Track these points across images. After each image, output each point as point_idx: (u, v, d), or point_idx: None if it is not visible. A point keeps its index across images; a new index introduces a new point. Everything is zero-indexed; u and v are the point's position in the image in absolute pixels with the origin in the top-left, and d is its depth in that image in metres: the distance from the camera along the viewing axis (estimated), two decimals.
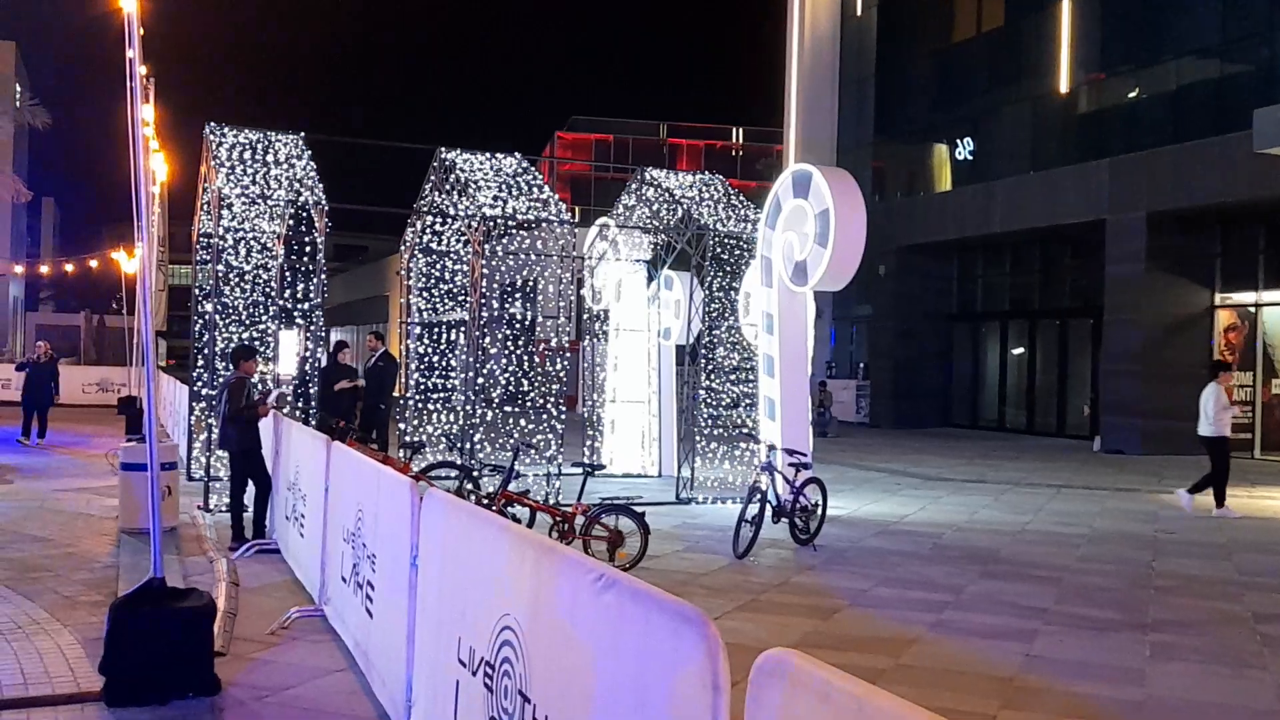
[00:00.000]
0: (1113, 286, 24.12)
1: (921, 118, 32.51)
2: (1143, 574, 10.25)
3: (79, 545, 10.05)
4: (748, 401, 14.59)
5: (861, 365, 34.03)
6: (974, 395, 31.24)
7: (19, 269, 46.59)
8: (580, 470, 10.29)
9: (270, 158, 12.88)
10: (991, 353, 30.89)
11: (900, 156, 33.61)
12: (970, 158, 30.15)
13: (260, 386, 11.68)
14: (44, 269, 44.11)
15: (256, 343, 12.73)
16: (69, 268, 38.34)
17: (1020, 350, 29.89)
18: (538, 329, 14.99)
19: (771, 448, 12.29)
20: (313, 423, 12.09)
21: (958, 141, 30.60)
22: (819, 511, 11.54)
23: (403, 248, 16.11)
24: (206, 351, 12.83)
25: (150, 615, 5.76)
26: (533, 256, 14.05)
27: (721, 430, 14.64)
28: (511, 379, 14.08)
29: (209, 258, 13.29)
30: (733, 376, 14.70)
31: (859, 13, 34.50)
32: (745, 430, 14.40)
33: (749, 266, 14.41)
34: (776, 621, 7.93)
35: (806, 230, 12.60)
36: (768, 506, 10.93)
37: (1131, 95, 25.69)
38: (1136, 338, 23.44)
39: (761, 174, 52.01)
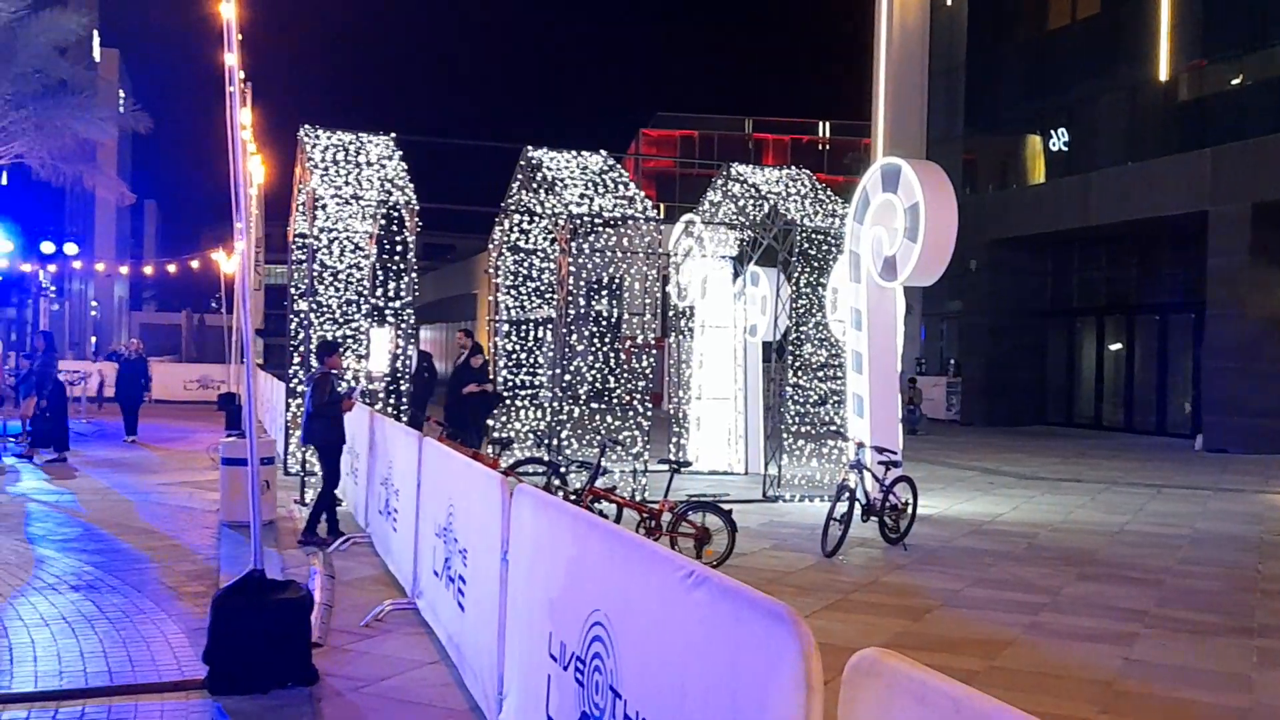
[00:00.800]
0: (1215, 280, 23.35)
1: (1014, 108, 31.83)
2: (1248, 577, 9.91)
3: (182, 537, 10.37)
4: (835, 399, 14.45)
5: (952, 362, 33.48)
6: (1069, 392, 30.51)
7: (124, 269, 48.24)
8: (666, 467, 10.29)
9: (362, 158, 13.13)
10: (1087, 349, 30.14)
11: (992, 148, 32.96)
12: (1065, 149, 29.44)
13: (348, 382, 11.91)
14: (147, 269, 45.60)
15: (350, 340, 13.01)
16: (171, 268, 39.58)
17: (1118, 346, 29.11)
18: (623, 326, 15.03)
19: (860, 445, 12.15)
20: (404, 419, 12.30)
21: (1052, 132, 29.90)
22: (909, 510, 11.37)
23: (491, 246, 16.30)
24: (302, 349, 13.12)
25: (251, 607, 5.91)
26: (618, 254, 14.11)
27: (809, 427, 14.52)
28: (598, 376, 14.14)
29: (304, 257, 13.60)
30: (820, 373, 14.57)
31: (949, 2, 33.93)
32: (833, 428, 14.27)
33: (836, 262, 14.27)
34: (866, 621, 7.84)
35: (896, 225, 12.43)
36: (857, 505, 10.82)
37: (1235, 82, 24.82)
38: (1240, 333, 22.65)
39: (848, 168, 51.44)
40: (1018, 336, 30.35)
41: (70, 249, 34.15)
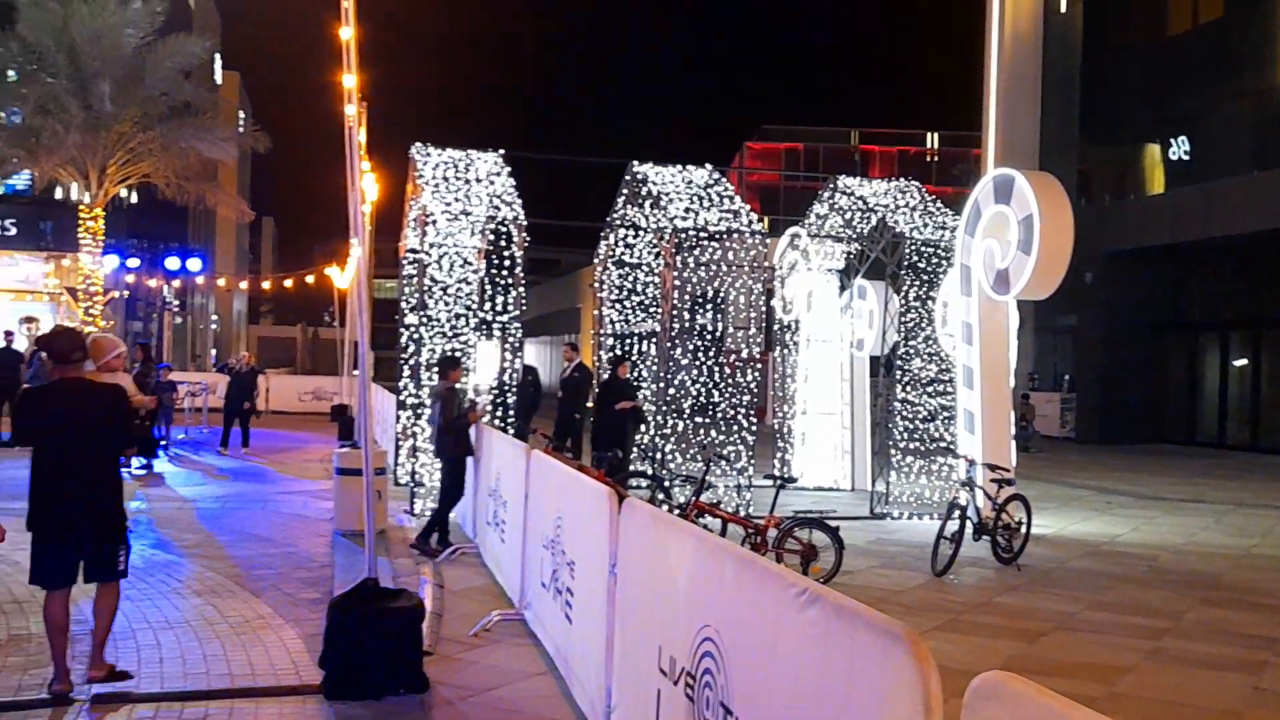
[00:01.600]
0: None
1: (1131, 117, 30.84)
2: None
3: (297, 545, 10.65)
4: (946, 415, 14.17)
5: (1066, 377, 32.56)
6: (1189, 409, 29.37)
7: (243, 284, 49.91)
8: (772, 483, 10.21)
9: (471, 175, 13.36)
10: (1210, 364, 29.00)
11: (1108, 158, 32.00)
12: (1186, 158, 28.42)
13: (471, 396, 12.11)
14: (264, 284, 47.13)
15: (458, 353, 13.22)
16: (286, 283, 40.83)
17: (1243, 361, 27.95)
18: (727, 340, 14.98)
19: (971, 462, 11.89)
20: (510, 432, 12.44)
21: (1171, 141, 28.89)
22: (1023, 530, 11.09)
23: (595, 260, 16.42)
24: (412, 362, 13.38)
25: (365, 614, 6.04)
26: (723, 267, 14.07)
27: (918, 444, 14.26)
28: (702, 390, 14.10)
29: (414, 272, 13.88)
30: (930, 389, 14.31)
31: (1063, 8, 33.10)
32: (943, 444, 13.99)
33: (946, 275, 14.01)
34: (978, 643, 7.66)
35: (1009, 237, 12.16)
36: (968, 523, 10.59)
37: None
38: None
39: (958, 179, 50.49)
40: (1135, 351, 29.36)
41: (193, 265, 35.48)
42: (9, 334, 19.88)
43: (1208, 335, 29.03)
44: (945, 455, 13.86)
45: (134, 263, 32.98)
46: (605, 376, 14.09)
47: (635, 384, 14.48)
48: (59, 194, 30.91)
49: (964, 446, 12.77)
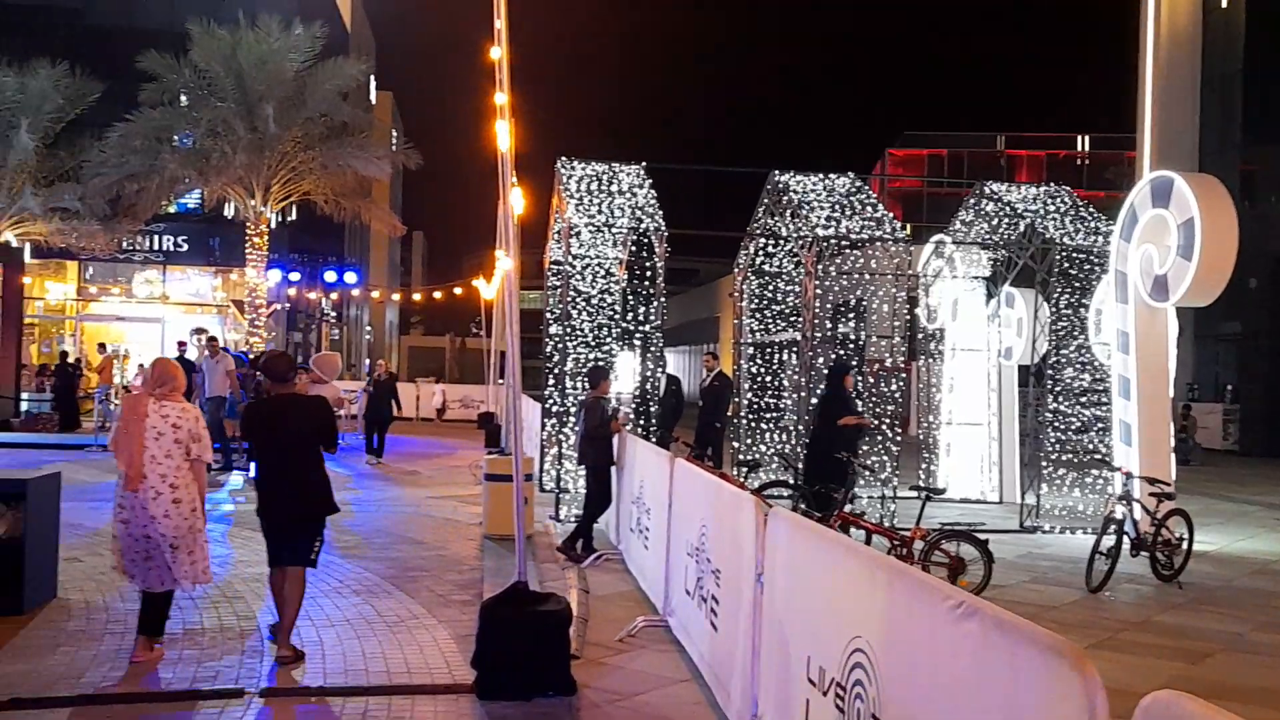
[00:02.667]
0: None
1: None
2: None
3: (449, 548, 10.98)
4: (1099, 426, 13.69)
5: (1229, 388, 30.98)
6: None
7: (395, 296, 51.58)
8: (917, 494, 10.06)
9: (615, 187, 13.56)
10: None
11: (1275, 158, 30.37)
12: None
13: (614, 405, 12.28)
14: (415, 296, 48.63)
15: (601, 363, 13.42)
16: (436, 294, 42.06)
17: None
18: (870, 349, 14.80)
19: (1128, 476, 11.46)
20: (653, 440, 12.56)
21: None
22: (1184, 546, 10.63)
23: (735, 270, 16.44)
24: (556, 371, 13.65)
25: (516, 617, 6.21)
26: (865, 276, 13.93)
27: (1070, 456, 13.81)
28: None
29: (559, 284, 14.16)
30: (1083, 399, 13.84)
31: (1224, 4, 31.61)
32: (1097, 456, 13.52)
33: (1100, 282, 13.55)
34: (1138, 663, 7.39)
35: (1168, 242, 11.70)
36: (1124, 539, 10.21)
37: None
38: None
39: (1111, 183, 48.66)
40: None
41: (350, 278, 36.89)
42: (182, 344, 21.04)
43: None
44: (1100, 468, 13.39)
45: (295, 276, 34.49)
46: (824, 388, 12.46)
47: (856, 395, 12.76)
48: (226, 212, 32.54)
49: (1120, 459, 12.32)
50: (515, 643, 6.15)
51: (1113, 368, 12.87)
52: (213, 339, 18.19)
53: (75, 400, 24.18)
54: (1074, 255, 13.74)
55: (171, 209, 31.95)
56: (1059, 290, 13.75)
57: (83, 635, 7.17)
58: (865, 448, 13.42)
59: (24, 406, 24.62)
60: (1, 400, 23.42)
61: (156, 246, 35.43)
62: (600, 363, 13.07)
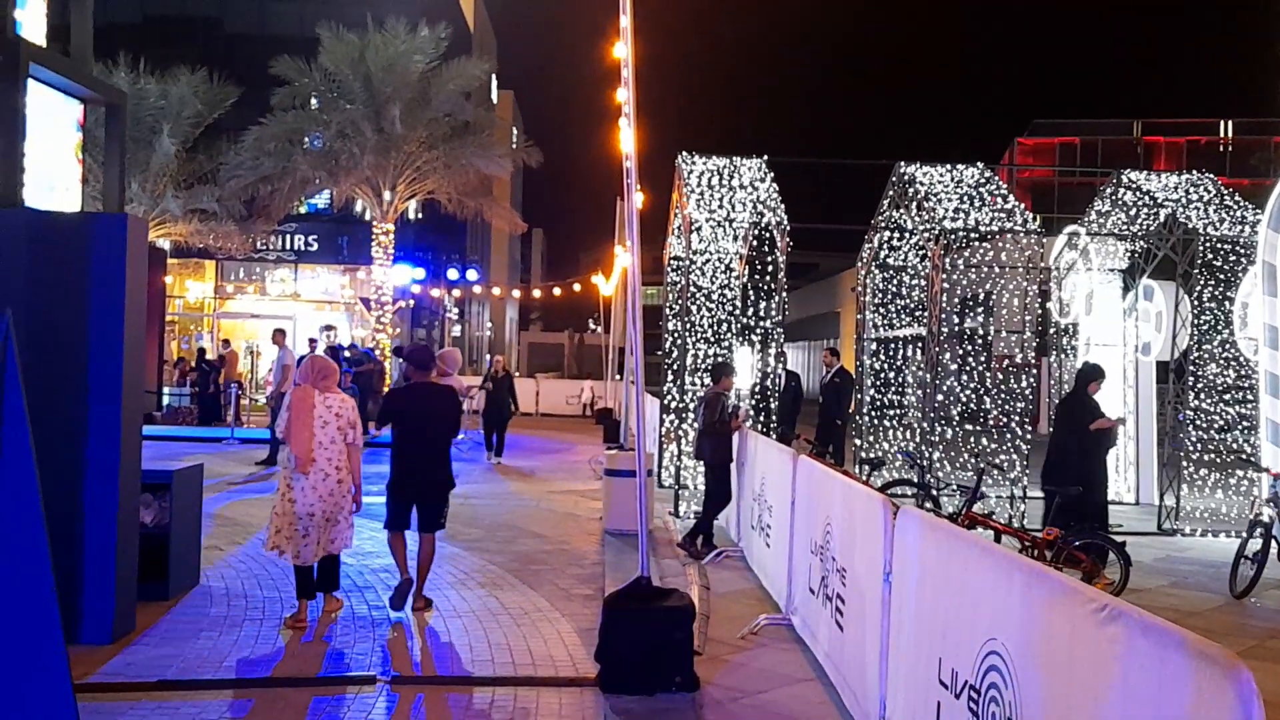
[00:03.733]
0: None
1: None
2: None
3: (570, 543, 11.08)
4: (1245, 424, 13.05)
5: None
6: None
7: (515, 293, 52.35)
8: (1049, 493, 9.74)
9: (735, 182, 13.48)
10: None
11: None
12: None
13: (735, 402, 12.22)
14: (535, 292, 49.29)
15: (722, 358, 13.36)
16: (555, 291, 42.56)
17: None
18: (998, 344, 14.39)
19: (1277, 477, 10.89)
20: (774, 437, 12.46)
21: None
22: None
23: (859, 263, 16.18)
24: (676, 367, 13.64)
25: (639, 612, 6.22)
26: (995, 269, 13.56)
27: (1213, 456, 13.21)
28: (972, 396, 13.61)
29: (678, 279, 14.15)
30: (1226, 396, 13.22)
31: None
32: (1243, 456, 12.89)
33: (1246, 274, 12.92)
34: None
35: None
36: (1273, 543, 9.71)
37: None
38: None
39: (1256, 170, 46.40)
40: None
41: (471, 275, 37.59)
42: (313, 340, 21.72)
43: None
44: (1245, 468, 12.77)
45: (419, 274, 35.31)
46: (1069, 391, 11.69)
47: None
48: (354, 211, 33.49)
49: (1268, 459, 11.71)
50: (638, 637, 6.16)
51: (1260, 364, 12.25)
52: (279, 330, 18.48)
53: (215, 395, 25.17)
54: (1218, 246, 13.13)
55: (302, 209, 33.05)
56: (1202, 283, 13.16)
57: (224, 621, 7.45)
58: (994, 445, 13.07)
59: (165, 400, 25.75)
60: (145, 394, 24.48)
61: (288, 246, 36.70)
62: (721, 358, 13.02)
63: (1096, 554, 9.15)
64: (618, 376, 24.38)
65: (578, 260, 78.17)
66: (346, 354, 21.92)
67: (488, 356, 57.57)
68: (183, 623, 7.38)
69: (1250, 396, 12.88)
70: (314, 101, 27.06)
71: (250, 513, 11.92)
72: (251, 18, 36.48)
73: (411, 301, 36.52)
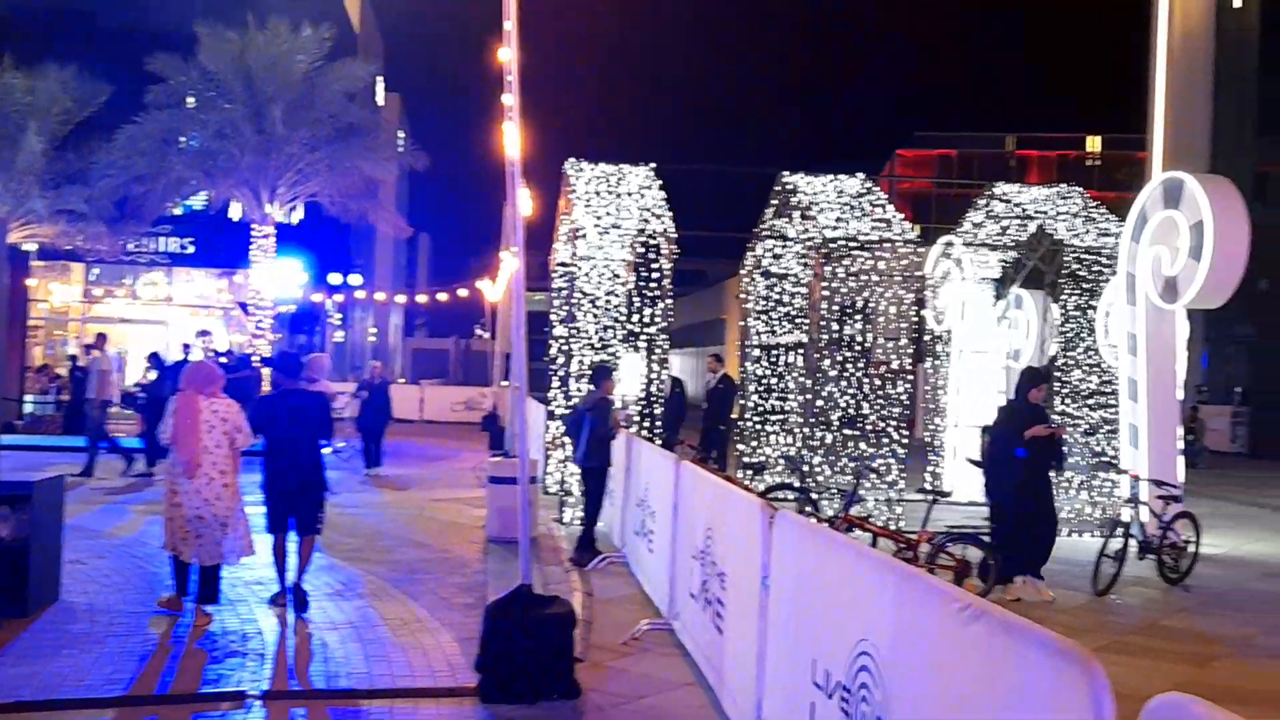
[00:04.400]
0: None
1: None
2: None
3: (452, 551, 10.95)
4: (1107, 428, 13.62)
5: (1238, 390, 30.86)
6: None
7: (400, 299, 51.52)
8: (924, 497, 10.01)
9: (623, 188, 13.53)
10: None
11: None
12: None
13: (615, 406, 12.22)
14: (420, 298, 48.60)
15: (606, 363, 13.38)
16: (441, 296, 42.04)
17: None
18: (876, 351, 14.73)
19: (1136, 478, 11.40)
20: (658, 443, 12.52)
21: None
22: (1191, 549, 10.57)
23: (742, 271, 16.39)
24: (561, 373, 13.61)
25: (520, 619, 6.17)
26: (874, 277, 13.87)
27: (1077, 458, 13.74)
28: (851, 402, 13.89)
29: (564, 285, 14.13)
30: (1090, 401, 13.77)
31: (1237, 3, 31.49)
32: (1105, 459, 13.45)
33: (1109, 283, 13.48)
34: (1144, 666, 7.34)
35: (1178, 244, 11.63)
36: (1132, 541, 10.16)
37: None
38: None
39: (1122, 184, 48.50)
40: None
41: (354, 280, 36.87)
42: (187, 346, 21.03)
43: None
44: (1107, 470, 13.32)
45: (300, 279, 34.50)
46: (1010, 398, 11.24)
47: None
48: (233, 214, 32.55)
49: (1127, 462, 12.25)
50: (519, 646, 6.11)
51: (1121, 370, 12.80)
52: (101, 335, 17.90)
53: (83, 403, 24.16)
54: (1084, 257, 13.68)
55: (178, 211, 31.96)
56: (1068, 292, 13.68)
57: (87, 638, 7.15)
58: (871, 450, 13.34)
59: (28, 409, 24.63)
60: (5, 402, 23.40)
61: (162, 249, 35.45)
62: (605, 363, 13.04)
63: (984, 549, 9.34)
64: (504, 383, 24.20)
65: (465, 265, 77.40)
66: (223, 359, 21.28)
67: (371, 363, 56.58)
68: (43, 640, 7.05)
69: (1112, 401, 13.44)
70: (191, 100, 26.20)
71: (115, 524, 11.48)
72: (127, 12, 35.16)
73: (292, 306, 35.67)
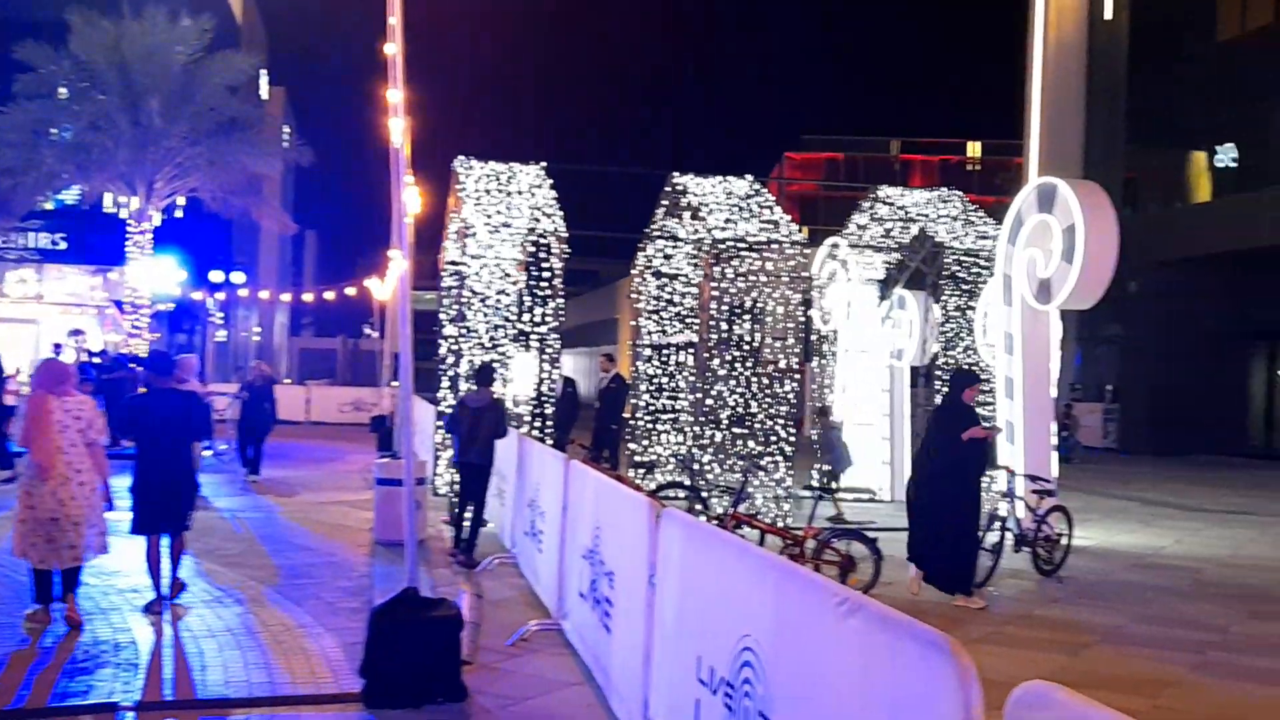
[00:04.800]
0: None
1: (1181, 124, 30.49)
2: None
3: (337, 555, 10.73)
4: (986, 425, 14.02)
5: (1109, 388, 32.15)
6: (1240, 421, 28.91)
7: (285, 297, 50.35)
8: (811, 493, 10.17)
9: (513, 187, 13.45)
10: (1259, 374, 28.56)
11: (1156, 166, 31.65)
12: (1235, 165, 28.05)
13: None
14: (306, 296, 47.59)
15: (498, 365, 13.29)
16: (328, 295, 41.22)
17: None
18: (765, 350, 14.93)
19: (1012, 474, 11.76)
20: (549, 443, 12.49)
21: (1219, 148, 28.54)
22: (1064, 541, 10.96)
23: (634, 271, 16.45)
24: (451, 373, 13.46)
25: (406, 623, 6.08)
26: (762, 278, 14.06)
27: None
28: (740, 400, 14.06)
29: (454, 284, 13.98)
30: None
31: (1108, 15, 32.79)
32: None
33: (987, 285, 13.90)
34: (1020, 655, 7.57)
35: (1051, 246, 12.05)
36: (1008, 535, 10.48)
37: None
38: None
39: (1001, 189, 50.12)
40: (1183, 362, 28.92)
41: (237, 278, 35.90)
42: (58, 346, 20.22)
43: (1258, 345, 28.59)
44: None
45: (180, 276, 33.46)
46: (943, 399, 10.89)
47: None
48: (108, 208, 31.39)
49: (1004, 457, 12.64)
50: (404, 650, 6.02)
51: (998, 368, 13.20)
52: None
53: None
54: (963, 259, 14.07)
55: (49, 206, 30.70)
56: (948, 293, 14.06)
57: None
58: (760, 448, 13.51)
59: None
60: None
61: (32, 245, 34.03)
62: (494, 363, 12.94)
63: (868, 544, 9.51)
64: (395, 383, 23.84)
65: (354, 263, 76.01)
66: (96, 360, 20.50)
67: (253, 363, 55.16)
68: None
69: (990, 399, 13.86)
70: (63, 91, 25.20)
71: None
72: None
73: (171, 304, 34.55)
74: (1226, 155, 28.29)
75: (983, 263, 14.03)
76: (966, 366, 11.28)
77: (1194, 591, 10.23)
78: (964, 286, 14.07)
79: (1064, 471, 15.73)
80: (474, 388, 11.25)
